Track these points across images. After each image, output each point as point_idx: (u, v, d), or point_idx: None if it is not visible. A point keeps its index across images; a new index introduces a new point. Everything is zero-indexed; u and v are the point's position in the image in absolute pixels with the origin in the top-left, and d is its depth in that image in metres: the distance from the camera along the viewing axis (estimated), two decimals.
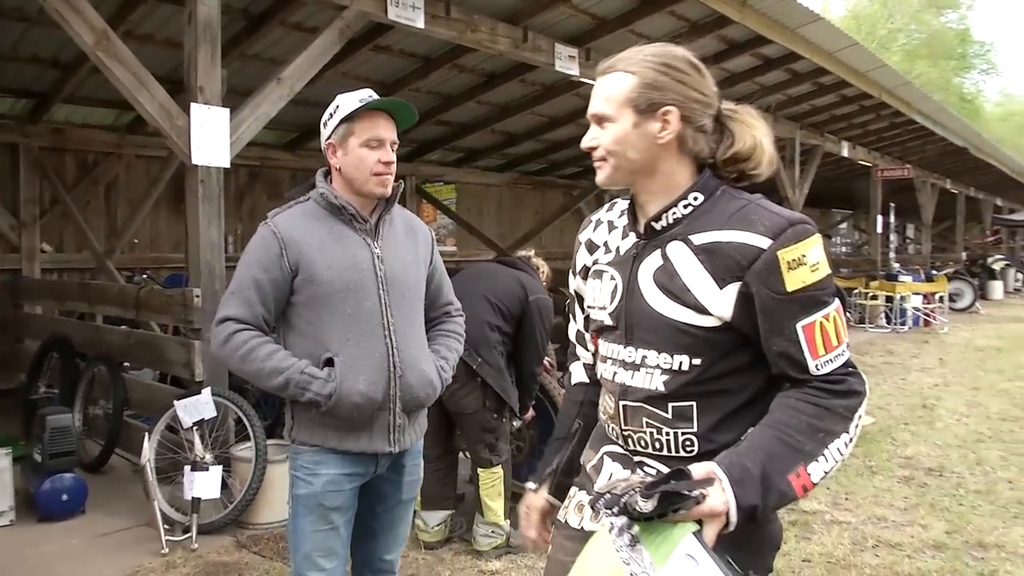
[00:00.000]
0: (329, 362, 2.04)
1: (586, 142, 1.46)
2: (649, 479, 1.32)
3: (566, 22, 6.29)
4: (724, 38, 7.32)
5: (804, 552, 3.76)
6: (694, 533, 1.22)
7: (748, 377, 1.41)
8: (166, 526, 3.77)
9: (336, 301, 2.06)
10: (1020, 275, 21.84)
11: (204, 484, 3.77)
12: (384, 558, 2.28)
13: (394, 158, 2.14)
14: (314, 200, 2.16)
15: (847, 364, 1.36)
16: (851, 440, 1.35)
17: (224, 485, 3.90)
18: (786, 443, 1.31)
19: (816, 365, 1.34)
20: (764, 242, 1.33)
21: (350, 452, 2.08)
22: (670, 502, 1.22)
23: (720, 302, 1.35)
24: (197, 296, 4.14)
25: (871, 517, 4.29)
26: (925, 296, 13.73)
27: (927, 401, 7.39)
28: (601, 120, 1.43)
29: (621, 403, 1.47)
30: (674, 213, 1.42)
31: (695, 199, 1.41)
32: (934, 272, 15.61)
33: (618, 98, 1.40)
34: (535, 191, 12.72)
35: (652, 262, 1.42)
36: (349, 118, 2.11)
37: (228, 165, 4.24)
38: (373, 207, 2.17)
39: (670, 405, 1.41)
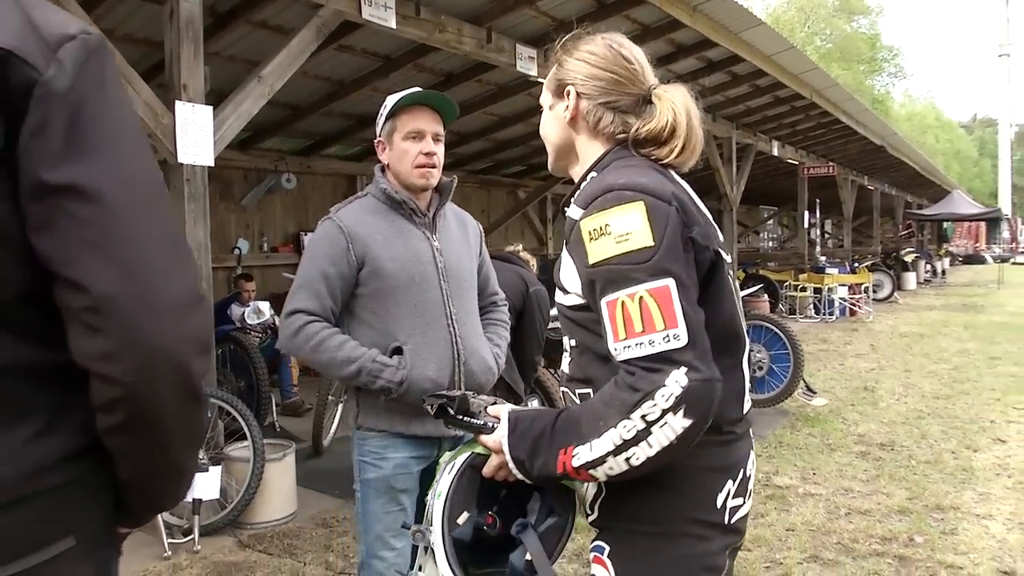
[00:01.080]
0: (397, 351, 2.13)
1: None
2: (459, 395, 1.46)
3: (527, 24, 6.43)
4: (673, 41, 7.59)
5: (787, 522, 4.02)
6: (475, 453, 1.42)
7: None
8: (165, 529, 3.76)
9: (402, 293, 2.15)
10: (929, 266, 23.06)
11: (204, 485, 3.77)
12: None
13: (436, 150, 2.23)
14: (373, 195, 2.25)
15: (652, 357, 1.18)
16: (632, 439, 1.19)
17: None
18: (573, 419, 1.28)
19: (615, 348, 1.22)
20: (578, 212, 1.31)
21: (417, 436, 2.18)
22: (447, 414, 1.45)
23: (572, 279, 1.33)
24: None
25: (839, 489, 4.59)
26: (850, 287, 14.42)
27: (867, 384, 7.84)
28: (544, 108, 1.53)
29: (561, 389, 1.52)
30: (576, 194, 1.42)
31: (591, 177, 1.40)
32: (856, 264, 16.41)
33: (546, 84, 1.51)
34: (481, 190, 12.83)
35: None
36: (393, 114, 2.20)
37: (212, 164, 4.24)
38: (429, 201, 2.27)
39: (577, 391, 1.40)
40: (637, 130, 1.38)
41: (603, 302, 1.23)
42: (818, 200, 16.64)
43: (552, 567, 1.36)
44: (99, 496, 0.99)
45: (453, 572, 1.36)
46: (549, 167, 1.57)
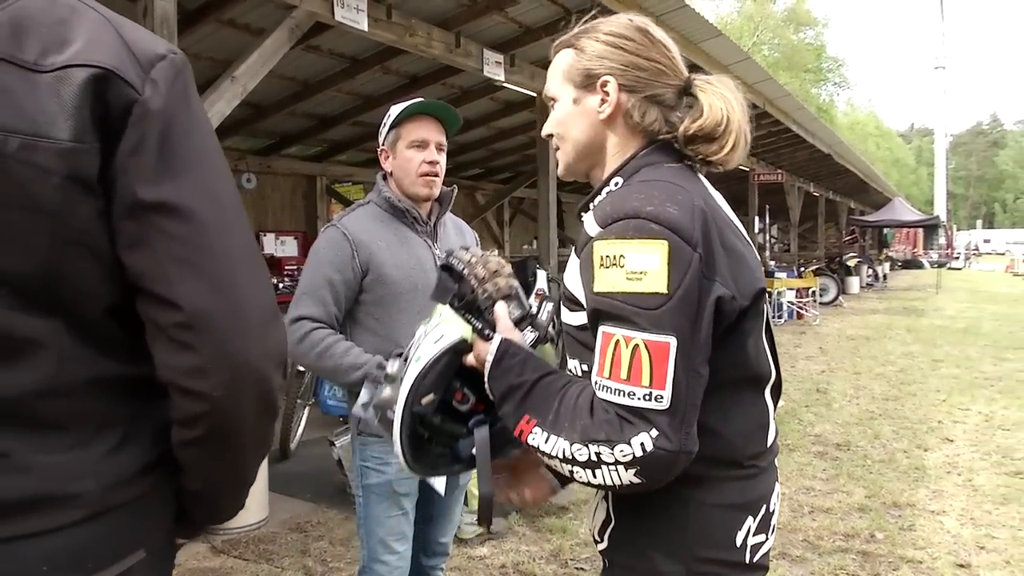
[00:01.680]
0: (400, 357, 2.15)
1: (544, 130, 1.39)
2: (476, 286, 1.37)
3: (495, 29, 6.49)
4: None
5: None
6: (463, 339, 1.33)
7: None
8: None
9: (406, 300, 2.18)
10: (871, 271, 23.78)
11: None
12: (440, 540, 2.42)
13: (439, 159, 2.26)
14: (375, 203, 2.27)
15: (629, 410, 1.09)
16: (581, 462, 1.13)
17: None
18: (551, 394, 1.19)
19: (596, 382, 1.14)
20: (595, 229, 1.18)
21: None
22: (444, 294, 1.39)
23: (583, 294, 1.22)
24: None
25: (801, 488, 4.74)
26: (798, 291, 14.81)
27: (819, 385, 8.08)
28: (551, 102, 1.36)
29: None
30: (600, 201, 1.28)
31: (615, 184, 1.28)
32: (803, 269, 16.85)
33: (559, 74, 1.33)
34: None
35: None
36: (397, 123, 2.24)
37: None
38: (430, 210, 2.30)
39: None
40: (687, 127, 1.26)
41: (600, 329, 1.14)
42: (767, 206, 17.04)
43: (489, 467, 1.34)
44: (166, 508, 1.02)
45: (402, 446, 1.32)
46: (562, 170, 1.40)
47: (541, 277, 7.24)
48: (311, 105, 7.71)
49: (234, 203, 0.96)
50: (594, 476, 1.13)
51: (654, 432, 1.08)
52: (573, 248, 1.34)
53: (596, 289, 1.15)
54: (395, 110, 2.25)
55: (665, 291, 1.09)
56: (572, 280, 1.27)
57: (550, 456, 1.16)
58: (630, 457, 1.09)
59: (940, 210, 43.20)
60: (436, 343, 1.35)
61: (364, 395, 1.96)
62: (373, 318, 2.20)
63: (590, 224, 1.22)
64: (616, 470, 1.10)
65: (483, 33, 6.47)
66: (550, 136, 1.40)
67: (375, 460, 2.20)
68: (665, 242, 1.10)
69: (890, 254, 32.22)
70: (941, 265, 26.69)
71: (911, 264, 34.66)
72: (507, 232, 13.85)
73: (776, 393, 1.38)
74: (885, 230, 29.12)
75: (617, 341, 1.11)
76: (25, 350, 0.86)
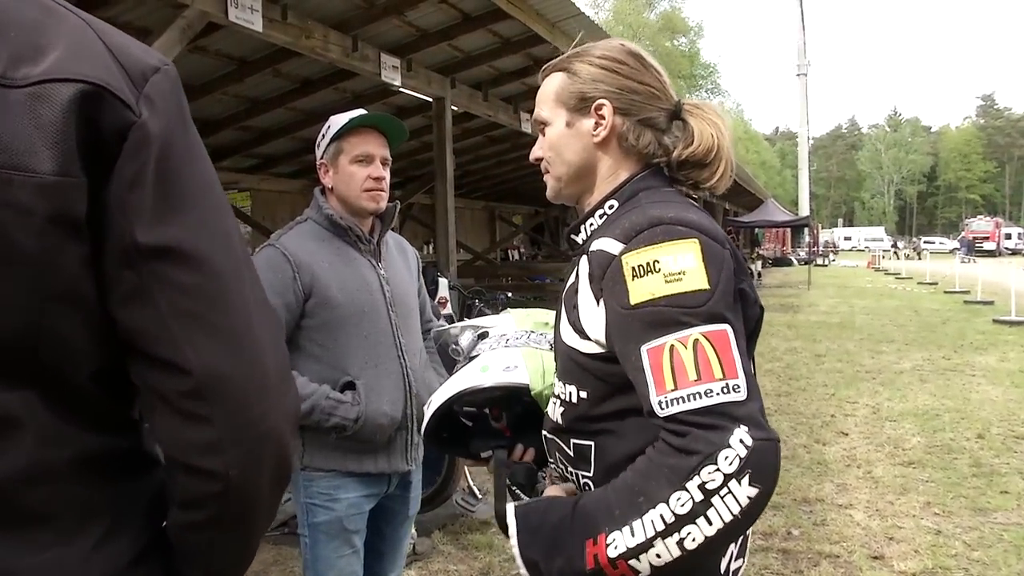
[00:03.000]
0: (349, 386, 2.01)
1: (533, 153, 1.38)
2: (527, 467, 1.43)
3: (392, 32, 6.32)
4: (531, 55, 7.73)
5: None
6: (527, 386, 1.41)
7: (642, 421, 1.10)
8: None
9: (352, 324, 2.04)
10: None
11: None
12: None
13: (385, 174, 2.15)
14: (314, 220, 2.11)
15: (708, 411, 1.01)
16: (686, 514, 0.99)
17: None
18: (599, 501, 1.09)
19: (660, 403, 1.04)
20: (617, 247, 1.14)
21: (369, 473, 2.07)
22: (502, 479, 1.41)
23: (596, 323, 1.16)
24: None
25: None
26: None
27: None
28: (542, 126, 1.35)
29: (543, 432, 1.35)
30: (591, 224, 1.29)
31: (610, 207, 1.27)
32: None
33: (550, 98, 1.32)
34: None
35: (569, 281, 1.27)
36: (339, 136, 2.09)
37: None
38: (372, 227, 2.16)
39: (571, 441, 1.24)
40: (679, 153, 1.27)
41: (643, 349, 1.06)
42: None
43: (505, 488, 1.38)
44: None
45: (427, 422, 1.45)
46: (551, 193, 1.37)
47: (443, 285, 7.13)
48: (194, 109, 7.13)
49: (242, 243, 0.81)
50: (710, 523, 0.98)
51: (744, 426, 1.00)
52: (571, 279, 1.29)
53: (632, 301, 1.09)
54: (336, 121, 2.11)
55: (707, 286, 1.08)
56: (588, 314, 1.20)
57: (647, 547, 1.00)
58: (737, 461, 0.98)
59: (804, 210, 45.75)
60: (506, 371, 1.42)
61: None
62: (317, 344, 2.04)
63: (607, 245, 1.17)
64: (731, 491, 0.98)
65: (381, 36, 6.29)
66: (539, 160, 1.37)
67: (322, 497, 2.03)
68: (696, 240, 1.11)
69: (761, 252, 33.90)
70: (808, 262, 28.22)
71: (781, 262, 36.58)
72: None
73: None
74: (756, 230, 30.57)
75: (672, 347, 1.05)
76: None
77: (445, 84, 7.44)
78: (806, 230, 33.28)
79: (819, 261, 37.76)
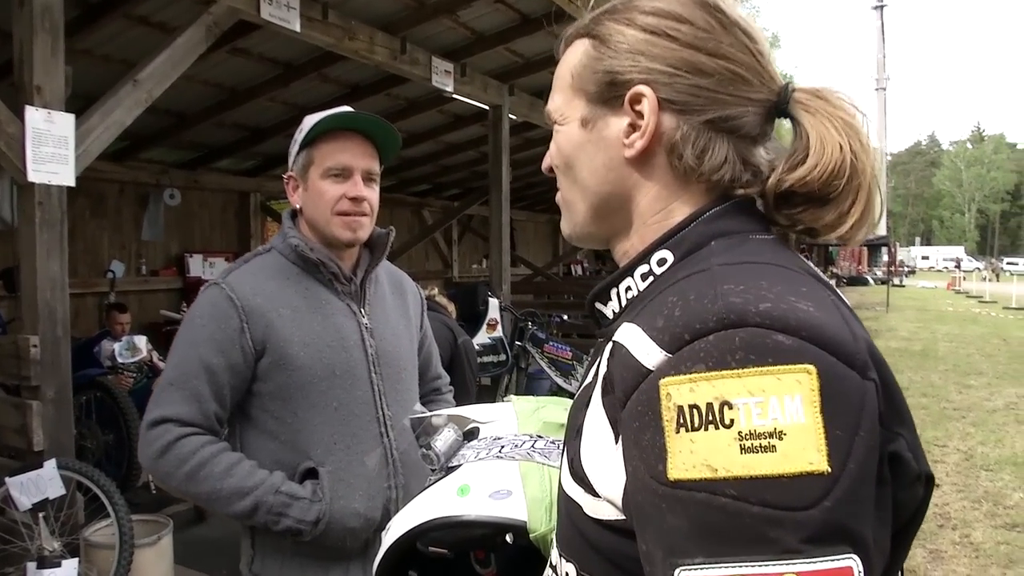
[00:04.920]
0: (311, 474, 1.54)
1: (544, 162, 0.89)
2: None
3: (444, 35, 5.92)
4: None
5: None
6: (523, 524, 0.94)
7: None
8: None
9: (317, 391, 1.56)
10: None
11: None
12: None
13: (367, 194, 1.65)
14: (279, 251, 1.64)
15: None
16: None
17: None
18: None
19: None
20: (654, 354, 0.64)
21: None
22: None
23: (610, 472, 0.68)
24: (35, 345, 3.35)
25: None
26: None
27: None
28: (553, 123, 0.85)
29: None
30: (628, 289, 0.78)
31: (660, 262, 0.76)
32: None
33: (566, 80, 0.83)
34: (383, 209, 12.12)
35: (585, 381, 0.79)
36: (310, 141, 1.63)
37: (73, 183, 3.50)
38: (356, 261, 1.69)
39: None
40: (780, 178, 0.75)
41: (680, 573, 0.58)
42: None
43: None
44: None
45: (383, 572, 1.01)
46: (568, 231, 0.87)
47: (493, 306, 6.66)
48: (241, 115, 7.01)
49: None
50: None
51: None
52: (588, 377, 0.78)
53: (674, 474, 0.59)
54: (308, 122, 1.63)
55: (825, 467, 0.56)
56: (595, 455, 0.70)
57: None
58: None
59: (882, 228, 43.99)
60: (495, 498, 0.94)
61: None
62: (272, 416, 1.56)
63: (635, 342, 0.66)
64: None
65: (432, 39, 5.90)
66: (551, 171, 0.87)
67: None
68: (812, 368, 0.58)
69: (835, 271, 32.55)
70: (884, 282, 26.88)
71: (856, 281, 35.05)
72: (455, 251, 13.24)
73: None
74: (830, 248, 29.32)
75: None
76: None
77: (502, 91, 7.01)
78: (884, 249, 31.85)
79: (895, 281, 36.16)
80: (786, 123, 0.80)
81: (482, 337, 6.43)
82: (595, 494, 0.69)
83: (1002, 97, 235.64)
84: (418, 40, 5.77)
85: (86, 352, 5.48)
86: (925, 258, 66.47)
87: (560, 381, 6.69)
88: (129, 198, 7.79)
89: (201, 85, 6.12)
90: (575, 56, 0.82)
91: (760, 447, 0.57)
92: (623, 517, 0.67)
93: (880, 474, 0.60)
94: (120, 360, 5.58)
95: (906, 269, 48.18)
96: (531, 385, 7.12)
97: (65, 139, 3.43)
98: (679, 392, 0.60)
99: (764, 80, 0.77)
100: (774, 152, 0.80)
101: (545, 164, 0.88)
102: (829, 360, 0.58)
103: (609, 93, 0.78)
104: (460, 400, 3.35)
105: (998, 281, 37.04)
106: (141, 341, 5.77)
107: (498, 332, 6.66)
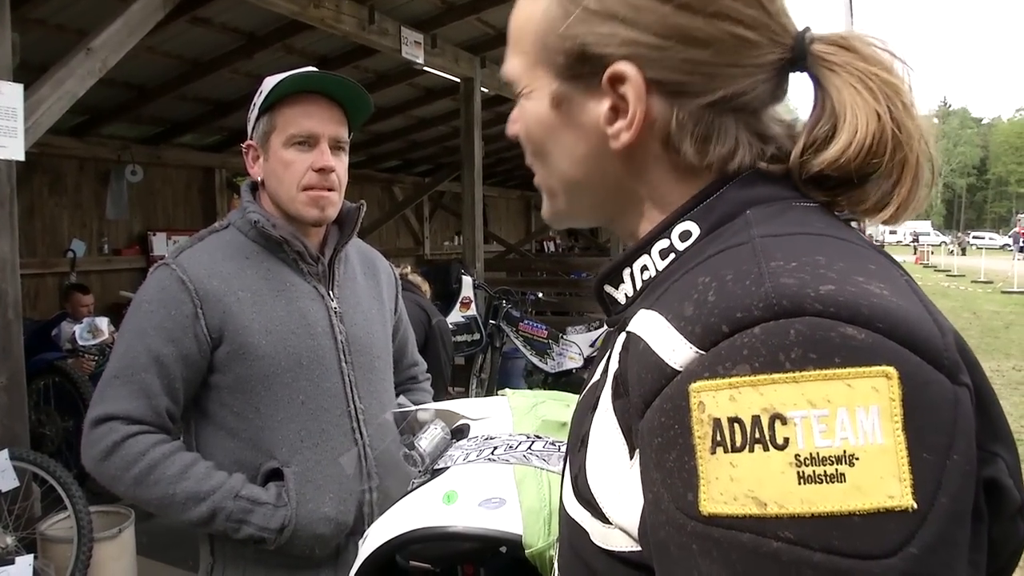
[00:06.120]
0: (275, 475, 1.40)
1: (508, 128, 0.74)
2: None
3: (413, 4, 5.73)
4: None
5: None
6: (519, 538, 0.83)
7: None
8: None
9: (281, 383, 1.42)
10: None
11: None
12: None
13: (335, 163, 1.49)
14: (238, 229, 1.50)
15: None
16: None
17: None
18: None
19: None
20: (680, 351, 0.51)
21: None
22: None
23: (622, 495, 0.56)
24: None
25: None
26: None
27: None
28: (514, 88, 0.70)
29: None
30: (643, 268, 0.65)
31: (682, 236, 0.62)
32: None
33: (525, 40, 0.67)
34: (352, 185, 11.90)
35: (593, 378, 0.68)
36: (270, 105, 1.48)
37: (22, 157, 3.30)
38: (324, 239, 1.54)
39: None
40: (805, 159, 0.61)
41: None
42: None
43: None
44: None
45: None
46: (546, 214, 0.74)
47: (467, 284, 6.52)
48: (203, 88, 6.76)
49: None
50: None
51: None
52: (596, 374, 0.66)
53: (707, 508, 0.47)
54: (268, 83, 1.47)
55: (910, 502, 0.43)
56: (604, 478, 0.58)
57: None
58: None
59: None
60: (485, 507, 0.83)
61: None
62: (231, 412, 1.42)
63: (655, 334, 0.53)
64: None
65: (400, 9, 5.71)
66: (517, 139, 0.72)
67: None
68: (892, 371, 0.45)
69: None
70: None
71: None
72: (427, 228, 13.05)
73: None
74: None
75: None
76: None
77: (474, 63, 6.84)
78: (853, 224, 32.13)
79: None
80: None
81: (455, 316, 6.30)
82: (605, 520, 0.57)
83: (967, 72, 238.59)
84: (387, 9, 5.58)
85: (44, 335, 5.28)
86: (893, 232, 67.32)
87: (536, 360, 6.59)
88: (89, 175, 7.52)
89: (161, 57, 5.87)
90: (534, 10, 0.65)
91: (824, 476, 0.44)
92: (639, 548, 0.55)
93: (976, 507, 0.48)
94: (81, 343, 5.38)
95: (875, 243, 48.74)
96: (506, 364, 7.01)
97: (13, 110, 3.24)
98: (716, 401, 0.47)
99: (775, 35, 0.62)
100: (788, 125, 0.66)
101: (510, 131, 0.73)
102: (914, 361, 0.45)
103: (582, 68, 0.63)
104: (433, 385, 3.24)
105: (964, 255, 37.60)
106: (103, 323, 5.57)
107: (472, 311, 6.53)
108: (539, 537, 0.80)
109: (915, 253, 36.46)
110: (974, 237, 59.43)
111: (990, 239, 57.75)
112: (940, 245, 50.33)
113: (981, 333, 11.85)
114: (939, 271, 27.96)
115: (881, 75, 0.60)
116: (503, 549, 0.82)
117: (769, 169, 0.63)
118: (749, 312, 0.48)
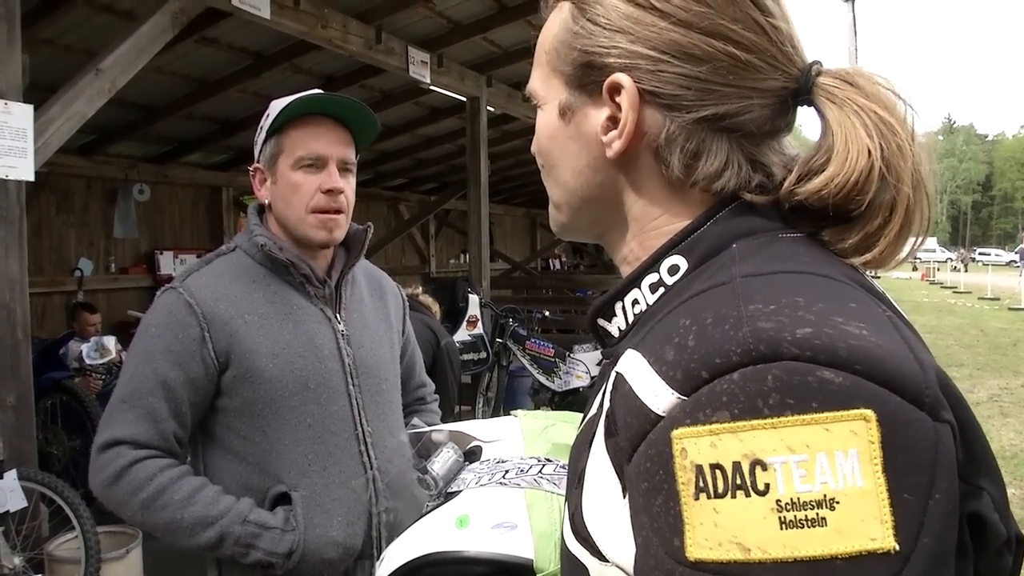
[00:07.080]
0: (283, 499, 1.40)
1: (533, 146, 0.76)
2: None
3: (421, 24, 5.77)
4: None
5: None
6: (530, 562, 0.82)
7: None
8: None
9: (288, 407, 1.41)
10: None
11: None
12: None
13: (344, 185, 1.50)
14: (244, 252, 1.50)
15: None
16: None
17: None
18: None
19: None
20: (662, 397, 0.51)
21: None
22: None
23: (620, 530, 0.55)
24: None
25: None
26: None
27: None
28: (534, 103, 0.73)
29: None
30: (635, 303, 0.66)
31: (670, 270, 0.63)
32: None
33: (545, 54, 0.70)
34: (359, 203, 11.90)
35: (589, 413, 0.67)
36: (278, 128, 1.48)
37: (32, 178, 3.32)
38: (331, 261, 1.55)
39: None
40: (792, 189, 0.61)
41: None
42: None
43: None
44: None
45: None
46: (554, 226, 0.76)
47: (473, 302, 6.53)
48: (210, 107, 6.81)
49: None
50: None
51: None
52: (592, 409, 0.66)
53: (693, 554, 0.47)
54: (276, 107, 1.48)
55: (892, 544, 0.43)
56: (599, 509, 0.58)
57: None
58: None
59: None
60: (497, 530, 0.83)
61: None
62: (238, 436, 1.42)
63: (640, 379, 0.54)
64: None
65: (407, 28, 5.75)
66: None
67: None
68: (870, 413, 0.45)
69: None
70: None
71: None
72: (432, 246, 13.07)
73: None
74: None
75: None
76: None
77: (480, 82, 6.88)
78: None
79: (870, 272, 36.47)
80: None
81: (462, 334, 6.29)
82: (602, 558, 0.57)
83: (971, 88, 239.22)
84: (393, 29, 5.62)
85: (51, 354, 5.29)
86: None
87: (543, 379, 6.57)
88: (97, 194, 7.56)
89: (169, 76, 5.92)
90: (554, 25, 0.69)
91: (806, 520, 0.44)
92: None
93: (961, 543, 0.47)
94: (88, 361, 5.38)
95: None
96: (512, 383, 7.00)
97: (23, 131, 3.25)
98: (697, 448, 0.47)
99: (779, 63, 0.62)
100: (788, 157, 0.66)
101: (534, 148, 0.75)
102: (893, 401, 0.46)
103: (586, 78, 0.65)
104: (440, 407, 3.24)
105: (966, 271, 37.53)
106: (110, 341, 5.57)
107: (478, 329, 6.53)
108: (550, 561, 0.80)
109: (914, 270, 36.38)
110: (980, 253, 59.36)
111: (996, 255, 57.66)
112: (946, 262, 50.24)
113: (989, 350, 11.78)
114: (945, 288, 27.89)
115: (879, 113, 0.60)
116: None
117: (754, 200, 0.63)
118: (728, 358, 0.48)
